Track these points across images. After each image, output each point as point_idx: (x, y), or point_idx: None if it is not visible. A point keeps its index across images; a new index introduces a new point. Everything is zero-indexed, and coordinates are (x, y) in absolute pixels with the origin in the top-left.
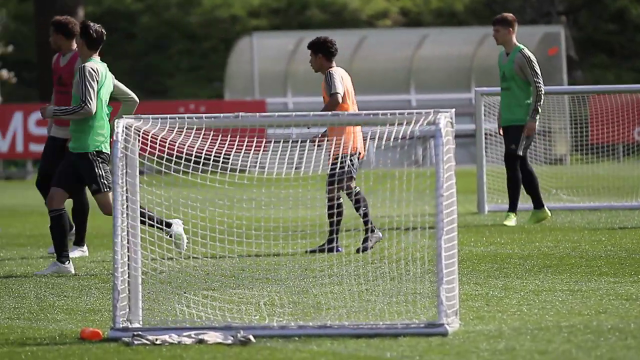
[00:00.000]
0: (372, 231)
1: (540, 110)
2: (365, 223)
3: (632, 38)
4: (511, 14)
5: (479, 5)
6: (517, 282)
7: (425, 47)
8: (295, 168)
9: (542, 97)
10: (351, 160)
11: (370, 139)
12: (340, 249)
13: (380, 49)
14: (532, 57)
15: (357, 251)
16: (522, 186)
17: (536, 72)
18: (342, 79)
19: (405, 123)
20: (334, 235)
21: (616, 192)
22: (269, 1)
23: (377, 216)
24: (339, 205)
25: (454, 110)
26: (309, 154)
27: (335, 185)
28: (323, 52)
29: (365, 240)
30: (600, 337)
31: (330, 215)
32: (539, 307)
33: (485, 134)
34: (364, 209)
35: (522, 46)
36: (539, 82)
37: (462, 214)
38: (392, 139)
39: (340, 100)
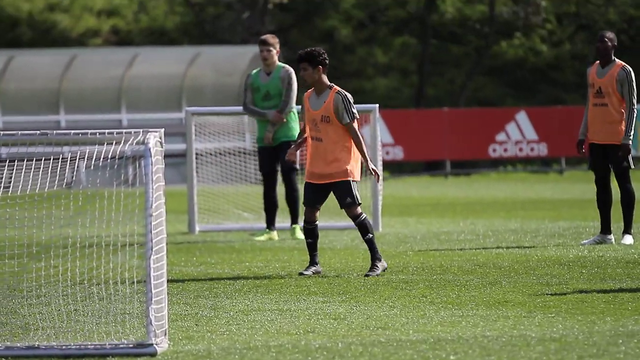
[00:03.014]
0: (379, 259)
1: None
2: (373, 249)
3: (340, 58)
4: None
5: (190, 25)
6: (227, 301)
7: (136, 66)
8: (4, 188)
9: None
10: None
11: (80, 158)
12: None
13: (90, 67)
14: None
15: (366, 275)
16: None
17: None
18: None
19: (114, 142)
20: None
21: (326, 211)
22: None
23: (86, 236)
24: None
25: (163, 129)
26: (17, 174)
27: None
28: (323, 64)
29: (374, 267)
30: (308, 356)
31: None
32: (248, 326)
33: (196, 153)
34: (371, 234)
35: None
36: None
37: (172, 234)
38: (101, 159)
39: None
